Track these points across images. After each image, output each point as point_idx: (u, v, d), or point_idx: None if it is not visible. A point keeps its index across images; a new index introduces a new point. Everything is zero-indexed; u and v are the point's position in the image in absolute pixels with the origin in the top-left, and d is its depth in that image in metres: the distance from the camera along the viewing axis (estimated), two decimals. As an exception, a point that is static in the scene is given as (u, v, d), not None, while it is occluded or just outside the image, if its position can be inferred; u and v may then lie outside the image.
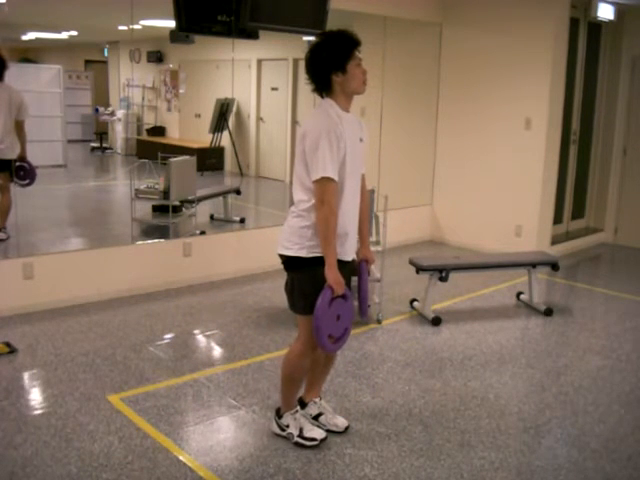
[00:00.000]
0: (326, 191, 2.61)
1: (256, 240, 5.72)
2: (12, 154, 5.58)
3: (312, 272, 2.71)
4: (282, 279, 2.93)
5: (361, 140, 2.81)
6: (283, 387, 2.99)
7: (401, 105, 7.34)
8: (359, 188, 2.86)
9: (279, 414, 3.04)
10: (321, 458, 2.88)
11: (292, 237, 2.74)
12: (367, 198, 3.04)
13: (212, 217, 7.15)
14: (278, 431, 3.04)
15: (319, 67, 2.70)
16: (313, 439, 2.96)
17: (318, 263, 2.69)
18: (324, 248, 2.65)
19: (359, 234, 3.02)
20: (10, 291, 4.51)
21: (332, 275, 2.65)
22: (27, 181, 5.80)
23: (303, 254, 2.71)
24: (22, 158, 5.77)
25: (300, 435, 2.97)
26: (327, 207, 2.62)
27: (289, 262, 2.77)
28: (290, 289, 2.83)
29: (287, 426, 2.99)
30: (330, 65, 2.68)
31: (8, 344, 3.95)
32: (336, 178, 2.63)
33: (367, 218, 3.06)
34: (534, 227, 6.50)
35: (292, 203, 2.80)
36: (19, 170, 5.73)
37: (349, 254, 2.82)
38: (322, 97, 2.76)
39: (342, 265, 2.76)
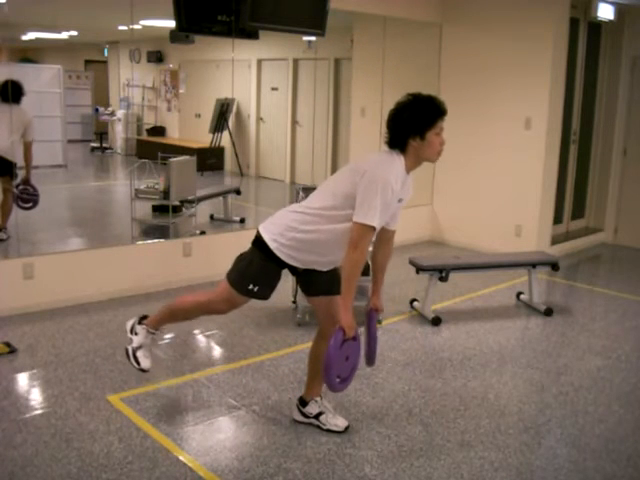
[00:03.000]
0: (364, 237, 2.64)
1: (256, 240, 5.70)
2: (14, 158, 5.56)
3: (263, 263, 2.81)
4: (283, 281, 2.93)
5: (399, 201, 2.78)
6: (163, 310, 3.13)
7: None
8: (373, 238, 2.85)
9: (141, 321, 3.17)
10: (321, 458, 2.88)
11: (277, 227, 2.79)
12: (390, 252, 3.04)
13: (212, 217, 7.15)
14: (128, 330, 3.19)
15: (399, 126, 2.70)
16: (138, 362, 3.12)
17: (274, 260, 2.78)
18: (345, 289, 2.66)
19: (373, 283, 3.05)
20: (10, 291, 4.50)
21: (346, 318, 2.67)
22: (30, 204, 5.79)
23: (272, 246, 2.77)
24: (26, 181, 5.75)
25: (134, 350, 3.12)
26: (359, 252, 2.64)
27: (257, 240, 2.84)
28: (239, 258, 2.91)
29: (136, 334, 3.13)
30: (410, 128, 2.67)
31: (8, 344, 3.95)
32: (378, 229, 2.70)
33: (384, 269, 3.04)
34: (534, 227, 6.50)
35: (302, 199, 2.82)
36: (22, 193, 5.72)
37: (326, 267, 2.87)
38: (390, 147, 2.74)
39: (318, 273, 2.84)
